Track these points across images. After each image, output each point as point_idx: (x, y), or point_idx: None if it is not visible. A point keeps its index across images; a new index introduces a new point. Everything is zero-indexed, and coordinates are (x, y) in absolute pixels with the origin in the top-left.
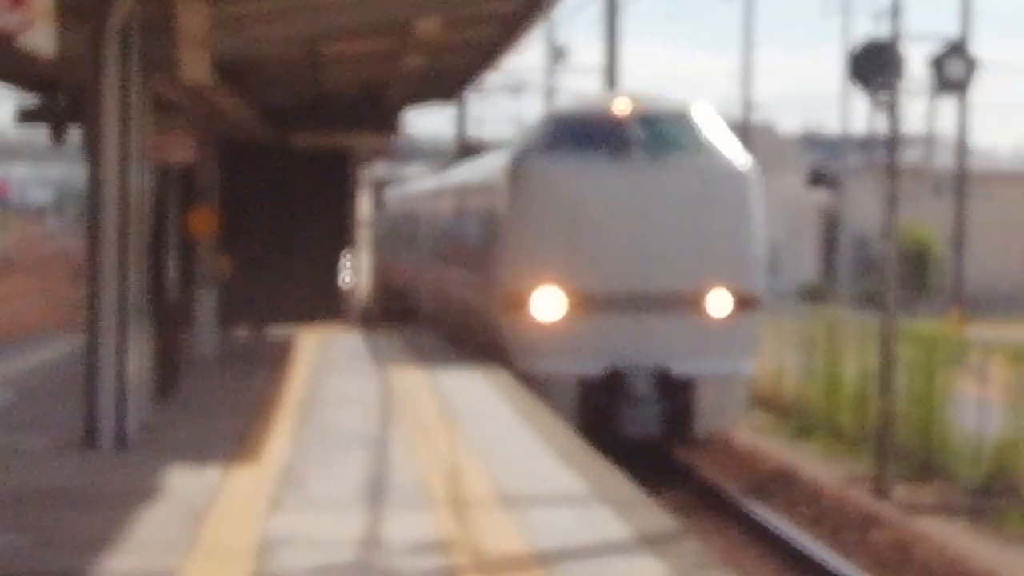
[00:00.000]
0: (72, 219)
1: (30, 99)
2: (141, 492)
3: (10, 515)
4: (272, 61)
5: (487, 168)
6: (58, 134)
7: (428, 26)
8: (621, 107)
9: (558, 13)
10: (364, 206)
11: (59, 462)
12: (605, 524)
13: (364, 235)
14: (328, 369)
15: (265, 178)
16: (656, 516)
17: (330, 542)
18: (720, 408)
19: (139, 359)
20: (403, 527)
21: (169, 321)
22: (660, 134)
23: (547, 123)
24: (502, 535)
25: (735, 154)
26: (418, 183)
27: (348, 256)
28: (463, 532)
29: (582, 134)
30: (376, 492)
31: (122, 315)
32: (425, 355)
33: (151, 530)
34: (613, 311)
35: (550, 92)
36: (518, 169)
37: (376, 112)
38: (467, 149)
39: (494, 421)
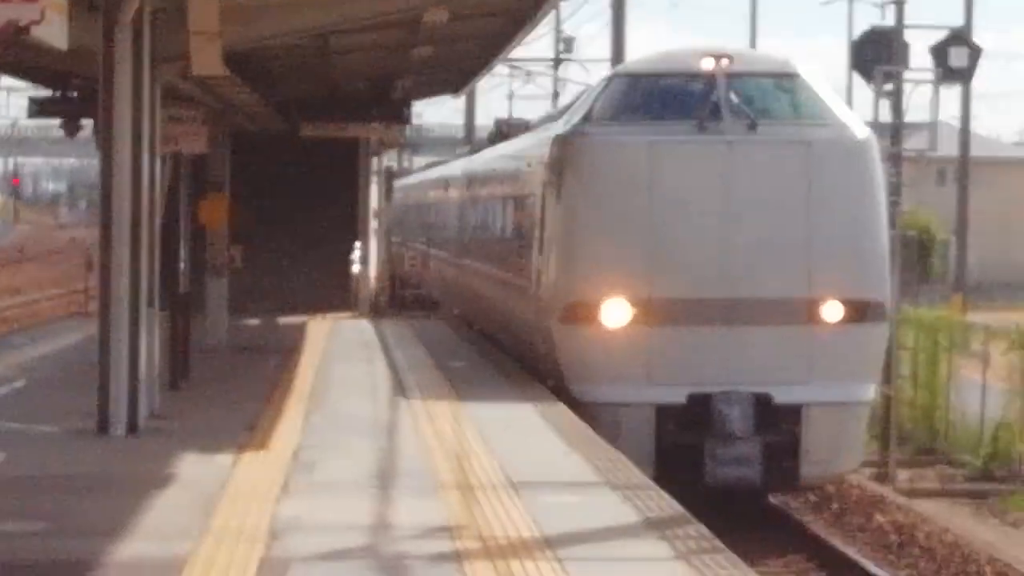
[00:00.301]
0: (84, 209)
1: (43, 93)
2: (153, 479)
3: (24, 502)
4: (283, 53)
5: (532, 145)
6: (71, 127)
7: (436, 18)
8: (708, 64)
9: (565, 5)
10: (374, 196)
11: (72, 449)
12: (612, 509)
13: (374, 225)
14: (337, 358)
15: (276, 168)
16: (662, 501)
17: (339, 526)
18: (834, 445)
19: (151, 347)
20: (410, 511)
21: (180, 310)
22: (758, 97)
23: (612, 85)
24: (511, 520)
25: (851, 121)
26: (434, 171)
27: (358, 245)
28: (470, 517)
29: (658, 98)
30: (384, 477)
31: (134, 304)
32: (435, 342)
33: (163, 516)
34: (698, 323)
35: (557, 83)
36: (575, 142)
37: (386, 103)
38: (501, 131)
39: (501, 406)
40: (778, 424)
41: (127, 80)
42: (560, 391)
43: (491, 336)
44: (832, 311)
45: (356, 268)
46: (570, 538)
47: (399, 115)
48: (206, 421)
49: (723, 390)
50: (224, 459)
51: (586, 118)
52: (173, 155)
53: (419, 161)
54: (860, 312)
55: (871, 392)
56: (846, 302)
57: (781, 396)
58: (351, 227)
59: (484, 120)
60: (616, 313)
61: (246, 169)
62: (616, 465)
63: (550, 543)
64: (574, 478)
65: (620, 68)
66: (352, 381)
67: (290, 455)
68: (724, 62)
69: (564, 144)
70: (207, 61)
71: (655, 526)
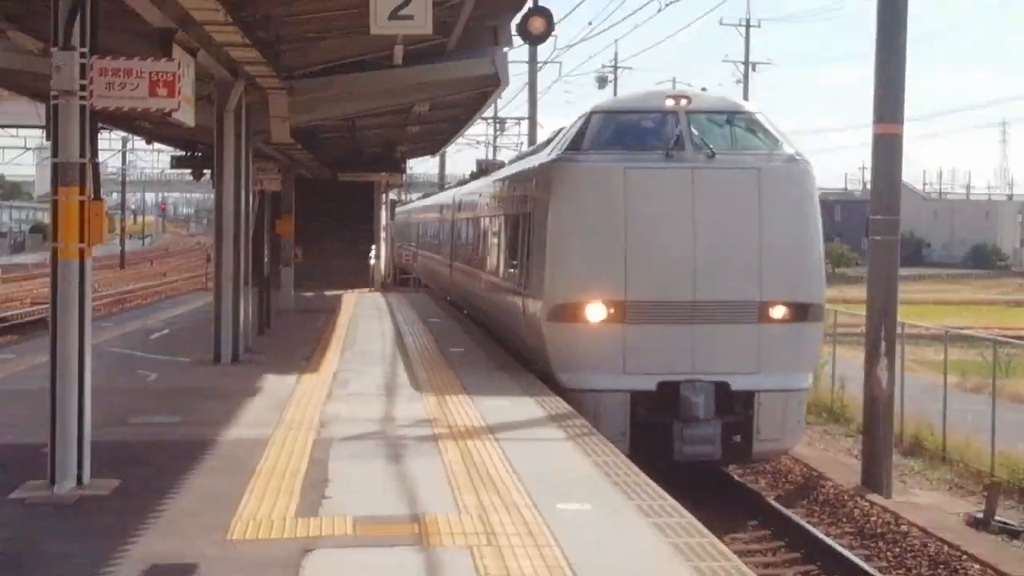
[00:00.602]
0: (205, 224)
1: (179, 152)
2: (248, 390)
3: (169, 404)
4: (328, 129)
5: (517, 173)
6: (197, 174)
7: (421, 108)
8: (671, 103)
9: (501, 98)
10: (383, 217)
11: (197, 372)
12: (529, 409)
13: (384, 235)
14: (361, 317)
15: (323, 200)
16: (559, 404)
17: (361, 416)
18: (781, 426)
19: (246, 309)
20: (405, 410)
21: (264, 286)
22: (713, 130)
23: (592, 121)
24: (467, 415)
25: (793, 150)
26: (423, 201)
27: (373, 247)
28: (441, 413)
29: (630, 131)
30: (393, 386)
31: (236, 283)
32: (421, 307)
33: (254, 413)
34: (666, 321)
35: (495, 150)
36: (563, 167)
37: (390, 160)
38: (481, 168)
39: (461, 346)
40: (734, 408)
41: (231, 145)
42: (547, 378)
43: (482, 323)
44: (779, 312)
45: (372, 261)
46: (503, 426)
47: (398, 168)
48: (280, 355)
49: (688, 379)
50: (291, 378)
51: (570, 147)
52: (259, 191)
53: (412, 196)
54: (802, 313)
55: (810, 380)
56: (790, 304)
57: (737, 384)
58: (369, 236)
59: (450, 170)
60: (596, 313)
61: (305, 200)
62: (531, 382)
63: (491, 429)
64: (505, 391)
65: (597, 107)
66: (370, 331)
67: (332, 376)
68: (683, 102)
69: (553, 168)
70: (281, 134)
71: (554, 419)
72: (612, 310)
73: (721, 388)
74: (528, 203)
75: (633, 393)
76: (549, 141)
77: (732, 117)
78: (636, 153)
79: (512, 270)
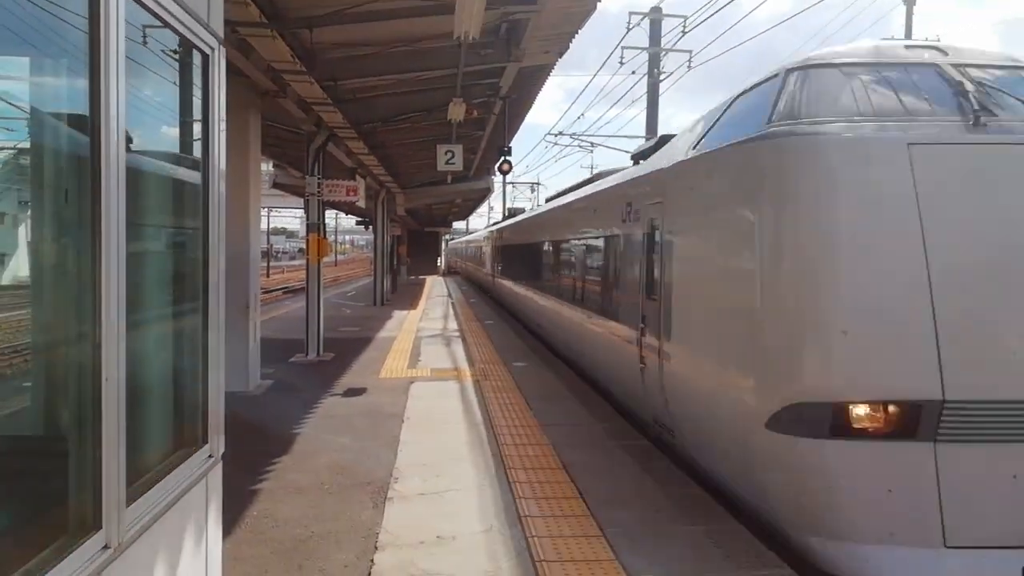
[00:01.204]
0: (370, 249)
1: (358, 218)
2: (387, 316)
3: (354, 322)
4: (420, 208)
5: (603, 187)
6: (366, 227)
7: (458, 201)
8: (925, 55)
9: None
10: (443, 246)
11: (366, 308)
12: (502, 324)
13: (443, 253)
14: (434, 287)
15: (418, 239)
16: (515, 324)
17: (434, 328)
18: None
19: (387, 283)
20: (452, 326)
21: (394, 273)
22: (996, 93)
23: (802, 75)
24: (479, 327)
25: None
26: (461, 238)
27: (439, 258)
28: (467, 328)
29: (879, 92)
30: (447, 316)
31: (382, 272)
32: (460, 284)
33: (390, 325)
34: None
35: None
36: (788, 144)
37: (444, 222)
38: (512, 212)
39: (480, 300)
40: None
41: (380, 216)
42: (768, 528)
43: (501, 305)
44: None
45: (439, 264)
46: (492, 330)
47: (449, 225)
48: (400, 302)
49: None
50: (405, 311)
51: (790, 116)
52: (392, 235)
53: (455, 237)
54: None
55: None
56: None
57: None
58: (437, 254)
59: (472, 224)
60: (875, 423)
61: (411, 238)
62: (504, 316)
63: (487, 332)
64: (498, 317)
65: (806, 59)
66: (437, 292)
67: (421, 311)
68: (939, 54)
69: (765, 149)
70: (400, 211)
71: (507, 321)
72: (908, 417)
73: None
74: (643, 221)
75: None
76: (656, 147)
77: (1017, 74)
78: (911, 121)
79: (605, 301)
